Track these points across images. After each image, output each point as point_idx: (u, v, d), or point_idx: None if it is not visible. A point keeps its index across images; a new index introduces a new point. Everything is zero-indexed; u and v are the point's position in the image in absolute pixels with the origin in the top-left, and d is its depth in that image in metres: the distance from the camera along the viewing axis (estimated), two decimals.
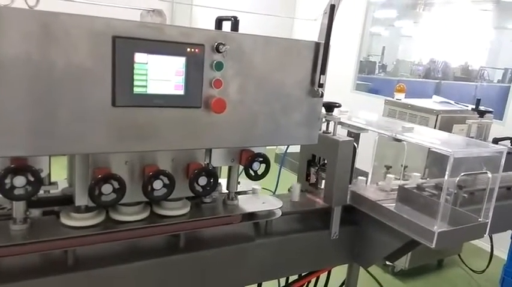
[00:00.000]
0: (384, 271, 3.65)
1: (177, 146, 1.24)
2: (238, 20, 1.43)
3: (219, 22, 1.54)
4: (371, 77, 6.84)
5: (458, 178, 1.49)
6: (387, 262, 3.58)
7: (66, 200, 1.35)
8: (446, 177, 1.45)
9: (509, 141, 2.49)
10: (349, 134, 2.04)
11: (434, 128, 3.19)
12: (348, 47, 6.12)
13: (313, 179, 1.95)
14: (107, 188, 1.16)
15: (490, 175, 1.59)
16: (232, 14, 1.41)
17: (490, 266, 3.52)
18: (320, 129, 1.84)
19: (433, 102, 3.57)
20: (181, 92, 1.19)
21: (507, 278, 2.91)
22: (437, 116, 3.19)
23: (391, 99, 3.70)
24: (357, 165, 2.20)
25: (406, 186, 1.97)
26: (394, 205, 1.87)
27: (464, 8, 5.89)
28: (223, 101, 1.23)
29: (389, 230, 1.67)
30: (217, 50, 1.21)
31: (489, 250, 3.42)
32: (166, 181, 1.24)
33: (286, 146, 2.07)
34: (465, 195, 2.00)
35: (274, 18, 6.45)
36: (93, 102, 1.09)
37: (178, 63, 1.17)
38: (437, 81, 6.66)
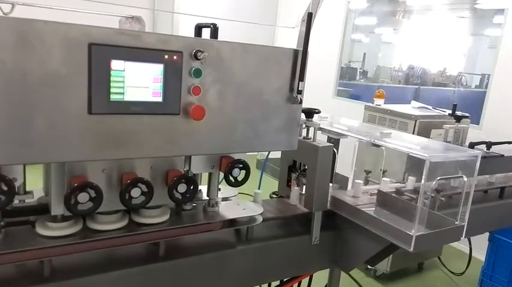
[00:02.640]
0: (366, 274, 3.68)
1: (155, 154, 1.23)
2: (217, 27, 1.44)
3: (198, 29, 1.54)
4: (352, 83, 6.93)
5: (434, 182, 1.52)
6: (368, 266, 3.62)
7: (42, 210, 1.32)
8: (422, 181, 1.48)
9: (485, 145, 2.55)
10: (329, 139, 2.06)
11: (413, 133, 3.24)
12: (329, 54, 6.20)
13: (294, 184, 1.96)
14: (83, 197, 1.14)
15: (465, 178, 1.62)
16: (213, 21, 1.41)
17: (469, 268, 3.58)
18: (300, 135, 1.86)
19: (412, 108, 3.63)
20: (159, 99, 1.19)
21: (485, 279, 2.97)
22: (416, 121, 3.25)
23: (371, 105, 3.76)
24: (338, 170, 2.23)
25: (381, 190, 2.00)
26: (373, 209, 1.90)
27: (442, 15, 6.04)
28: (202, 108, 1.23)
29: (369, 234, 1.69)
30: (196, 57, 1.21)
31: (468, 252, 3.49)
32: (145, 189, 1.23)
33: (267, 152, 2.08)
34: (443, 199, 2.03)
35: (257, 25, 6.49)
36: (69, 110, 1.07)
37: (156, 70, 1.17)
38: (416, 87, 6.80)
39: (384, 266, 3.52)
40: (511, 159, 2.54)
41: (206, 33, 1.43)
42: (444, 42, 6.25)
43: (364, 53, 7.39)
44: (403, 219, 1.72)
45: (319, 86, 6.31)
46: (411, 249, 1.49)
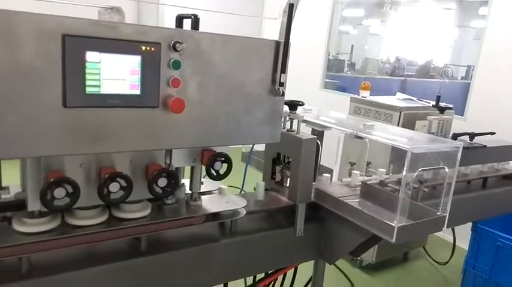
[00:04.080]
0: (352, 265, 3.71)
1: (134, 148, 1.21)
2: (198, 18, 1.41)
3: (179, 20, 1.52)
4: (339, 75, 6.94)
5: (416, 173, 1.52)
6: (353, 257, 3.65)
7: (19, 205, 1.30)
8: (404, 172, 1.48)
9: (468, 136, 2.58)
10: (313, 132, 2.06)
11: (398, 124, 3.26)
12: (316, 46, 6.19)
13: (278, 177, 1.95)
14: (59, 192, 1.11)
15: (447, 169, 1.64)
16: (198, 13, 1.39)
17: (453, 257, 3.65)
18: (284, 128, 1.85)
19: (397, 99, 3.65)
20: (137, 91, 1.16)
21: (468, 268, 3.02)
22: (401, 113, 3.26)
23: (356, 97, 3.77)
24: (323, 162, 2.23)
25: (369, 182, 2.01)
26: (357, 201, 1.91)
27: (429, 7, 6.06)
28: (181, 100, 1.21)
29: (352, 225, 1.69)
30: (174, 49, 1.18)
31: (453, 242, 3.55)
32: (124, 183, 1.21)
33: (251, 145, 2.07)
34: (426, 189, 2.05)
35: (244, 17, 6.43)
36: (43, 104, 1.04)
37: (133, 62, 1.14)
38: (402, 78, 6.83)
39: (370, 256, 3.56)
40: (493, 150, 2.57)
41: (188, 24, 1.40)
42: (431, 34, 6.28)
43: (352, 45, 7.40)
44: (386, 210, 1.73)
45: (306, 78, 6.32)
46: (393, 240, 1.50)
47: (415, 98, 3.69)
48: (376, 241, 1.77)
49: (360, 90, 3.76)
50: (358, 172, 1.92)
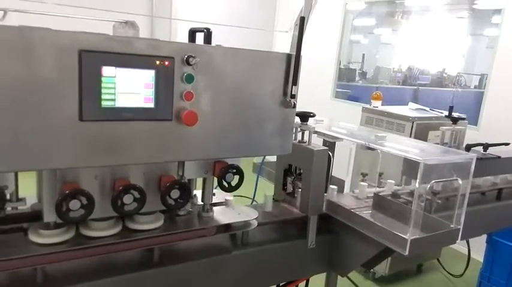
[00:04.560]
0: (364, 277, 3.67)
1: (147, 160, 1.23)
2: (211, 32, 1.44)
3: (192, 34, 1.54)
4: (350, 85, 6.93)
5: (429, 185, 1.51)
6: (365, 270, 3.61)
7: (35, 216, 1.32)
8: (417, 184, 1.47)
9: (482, 147, 2.55)
10: (325, 143, 2.06)
11: (410, 134, 3.24)
12: (327, 55, 6.20)
13: (289, 188, 1.95)
14: (74, 204, 1.13)
15: (460, 181, 1.62)
16: (210, 26, 1.41)
17: (468, 269, 3.57)
18: (295, 139, 1.86)
19: (409, 109, 3.63)
20: (151, 105, 1.18)
21: (483, 281, 2.96)
22: (413, 123, 3.24)
23: (368, 106, 3.75)
24: (335, 173, 2.22)
25: (381, 193, 2.00)
26: (369, 212, 1.90)
27: (441, 15, 6.04)
28: (194, 113, 1.23)
29: (365, 238, 1.68)
30: (188, 63, 1.20)
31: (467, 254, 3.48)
32: (137, 195, 1.22)
33: (262, 157, 2.08)
34: (439, 201, 2.03)
35: (255, 30, 6.49)
36: (60, 117, 1.07)
37: (148, 76, 1.16)
38: (415, 87, 6.79)
39: (383, 268, 3.51)
40: (508, 160, 2.53)
41: (201, 38, 1.42)
42: (443, 42, 6.25)
43: (363, 54, 7.39)
44: (399, 222, 1.72)
45: (317, 88, 6.32)
46: (406, 253, 1.48)
47: (427, 108, 3.67)
48: (389, 253, 1.75)
49: (372, 100, 3.75)
50: (366, 184, 1.91)
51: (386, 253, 1.72)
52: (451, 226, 1.64)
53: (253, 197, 2.18)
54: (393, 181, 1.99)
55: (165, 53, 1.18)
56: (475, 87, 6.17)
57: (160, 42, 1.19)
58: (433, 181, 1.52)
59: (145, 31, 6.58)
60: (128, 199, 1.21)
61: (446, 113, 3.18)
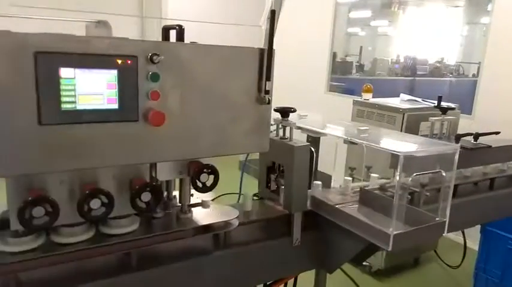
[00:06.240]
0: (361, 271, 3.64)
1: (114, 163, 1.19)
2: (183, 29, 1.40)
3: (165, 31, 1.51)
4: (346, 78, 6.87)
5: (410, 178, 1.47)
6: (363, 262, 3.58)
7: (5, 224, 1.29)
8: (397, 177, 1.43)
9: (472, 137, 2.50)
10: (309, 138, 2.02)
11: (401, 126, 3.20)
12: (320, 49, 6.15)
13: (273, 186, 1.92)
14: (38, 211, 1.10)
15: (444, 173, 1.58)
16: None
17: (466, 260, 3.54)
18: (277, 135, 1.82)
19: (401, 101, 3.58)
20: (115, 106, 1.14)
21: (479, 272, 2.93)
22: (404, 114, 3.20)
23: (359, 99, 3.71)
24: (323, 169, 2.19)
25: (368, 187, 1.96)
26: (356, 207, 1.86)
27: (437, 5, 5.98)
28: (161, 113, 1.19)
29: (350, 233, 1.64)
30: (152, 61, 1.16)
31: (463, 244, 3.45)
32: (105, 200, 1.19)
33: (246, 154, 2.05)
34: (427, 194, 1.99)
35: (246, 27, 6.44)
36: (18, 122, 1.03)
37: (110, 76, 1.12)
38: (411, 78, 6.73)
39: (379, 262, 3.48)
40: (498, 150, 2.50)
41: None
42: (440, 32, 6.19)
43: (361, 47, 7.32)
44: (385, 217, 1.68)
45: (310, 82, 6.28)
46: (389, 248, 1.45)
47: (419, 99, 3.62)
48: (376, 248, 1.72)
49: (362, 93, 3.71)
50: (350, 179, 1.87)
51: (372, 247, 1.69)
52: (437, 219, 1.60)
53: (239, 196, 2.14)
54: (377, 175, 1.95)
55: (127, 52, 1.14)
56: (473, 76, 6.10)
57: (121, 41, 1.15)
58: (414, 174, 1.48)
59: (136, 32, 6.54)
60: (95, 203, 1.17)
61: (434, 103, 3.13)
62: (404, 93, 3.87)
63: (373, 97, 3.76)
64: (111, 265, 1.41)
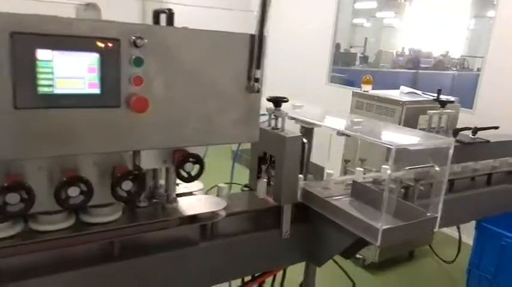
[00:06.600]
0: (355, 264, 3.62)
1: (94, 150, 1.15)
2: (173, 13, 1.35)
3: (156, 15, 1.46)
4: (348, 69, 6.78)
5: (402, 172, 1.43)
6: (357, 255, 3.56)
7: None
8: (388, 171, 1.40)
9: (471, 131, 2.46)
10: (302, 129, 1.98)
11: (400, 119, 3.15)
12: (322, 39, 6.06)
13: (264, 176, 1.88)
14: (12, 198, 1.06)
15: (437, 168, 1.54)
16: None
17: (461, 255, 3.52)
18: (269, 126, 1.78)
19: (400, 93, 3.53)
20: (96, 90, 1.10)
21: (473, 269, 2.90)
22: (403, 107, 3.15)
23: (358, 91, 3.66)
24: (318, 160, 2.15)
25: (361, 180, 1.92)
26: (348, 200, 1.83)
27: None
28: (144, 99, 1.15)
29: (339, 227, 1.61)
30: (135, 45, 1.12)
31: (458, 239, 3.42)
32: (84, 188, 1.15)
33: (238, 144, 2.00)
34: (421, 188, 1.95)
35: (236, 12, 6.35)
36: None
37: (91, 59, 1.08)
38: (414, 71, 6.65)
39: (372, 255, 3.46)
40: (497, 145, 2.45)
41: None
42: (447, 25, 6.10)
43: (366, 38, 7.23)
44: (376, 211, 1.65)
45: (311, 73, 6.20)
46: (378, 243, 1.42)
47: (419, 92, 3.57)
48: (366, 242, 1.68)
49: (362, 84, 3.65)
50: (332, 171, 1.83)
51: (362, 242, 1.66)
52: (428, 214, 1.56)
53: (230, 186, 2.11)
54: (362, 169, 1.91)
55: (109, 35, 1.09)
56: (478, 70, 6.02)
57: (104, 23, 1.10)
58: (406, 168, 1.44)
59: (137, 16, 6.46)
60: (73, 191, 1.14)
61: (443, 96, 3.07)
62: (405, 85, 3.81)
63: (376, 90, 3.70)
64: (94, 254, 1.39)
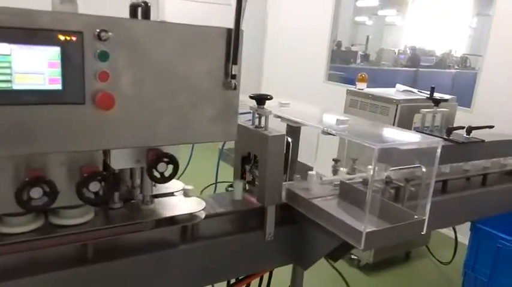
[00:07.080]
0: (349, 265, 3.56)
1: (57, 149, 1.10)
2: (149, 6, 1.29)
3: (133, 9, 1.40)
4: (347, 67, 6.71)
5: (386, 173, 1.37)
6: (352, 256, 3.50)
7: None
8: (371, 172, 1.34)
9: (465, 130, 2.39)
10: (289, 128, 1.92)
11: (395, 118, 3.09)
12: (320, 37, 6.00)
13: (249, 176, 1.82)
14: None
15: (424, 168, 1.48)
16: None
17: (457, 256, 3.45)
18: (253, 124, 1.72)
19: (396, 92, 3.47)
20: (58, 86, 1.05)
21: (468, 271, 2.84)
22: (397, 105, 3.08)
23: (353, 89, 3.59)
24: (308, 160, 2.10)
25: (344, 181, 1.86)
26: (335, 201, 1.77)
27: None
28: (110, 95, 1.09)
29: (324, 229, 1.55)
30: (100, 38, 1.06)
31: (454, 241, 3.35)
32: (47, 189, 1.10)
33: (222, 143, 1.95)
34: (412, 189, 1.89)
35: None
36: None
37: (52, 53, 1.02)
38: (414, 69, 6.58)
39: (367, 256, 3.40)
40: (492, 144, 2.39)
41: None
42: (449, 23, 6.02)
43: (368, 36, 7.15)
44: (362, 212, 1.59)
45: (308, 71, 6.13)
46: (361, 247, 1.36)
47: (415, 90, 3.50)
48: (352, 245, 1.63)
49: (357, 82, 3.58)
50: (314, 173, 1.77)
51: (348, 244, 1.60)
52: (415, 216, 1.50)
53: (215, 186, 2.06)
54: (345, 169, 1.85)
55: (71, 28, 1.04)
56: (479, 68, 5.93)
57: (65, 15, 1.05)
58: (391, 169, 1.38)
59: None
60: (35, 192, 1.08)
61: (439, 95, 3.01)
62: (404, 84, 3.74)
63: (376, 88, 3.63)
64: (67, 257, 1.34)
